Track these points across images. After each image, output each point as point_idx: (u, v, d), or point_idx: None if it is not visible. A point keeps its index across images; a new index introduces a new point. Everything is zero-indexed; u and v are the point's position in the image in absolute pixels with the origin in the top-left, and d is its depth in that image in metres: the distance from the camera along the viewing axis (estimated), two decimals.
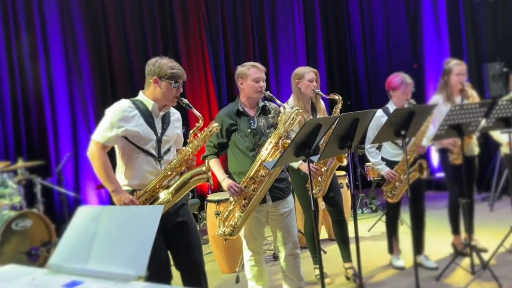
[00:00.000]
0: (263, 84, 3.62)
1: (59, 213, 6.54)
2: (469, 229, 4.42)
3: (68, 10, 6.87)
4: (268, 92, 3.63)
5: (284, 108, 3.61)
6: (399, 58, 8.92)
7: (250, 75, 3.60)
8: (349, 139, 3.26)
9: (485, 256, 4.39)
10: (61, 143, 6.81)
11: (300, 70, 4.22)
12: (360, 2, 9.30)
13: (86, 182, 6.92)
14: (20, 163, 5.49)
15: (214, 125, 3.10)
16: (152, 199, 2.93)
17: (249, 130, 3.61)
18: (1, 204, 5.08)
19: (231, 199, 3.54)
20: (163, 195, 2.90)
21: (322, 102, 4.33)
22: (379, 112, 4.36)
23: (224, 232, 3.50)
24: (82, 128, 6.94)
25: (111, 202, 2.95)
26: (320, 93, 4.15)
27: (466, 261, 4.33)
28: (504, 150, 4.81)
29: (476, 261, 4.22)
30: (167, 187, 2.93)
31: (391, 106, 4.42)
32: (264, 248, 3.96)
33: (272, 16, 8.65)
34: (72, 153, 6.70)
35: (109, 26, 7.19)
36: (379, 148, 4.50)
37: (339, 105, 4.12)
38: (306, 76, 4.12)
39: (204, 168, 2.96)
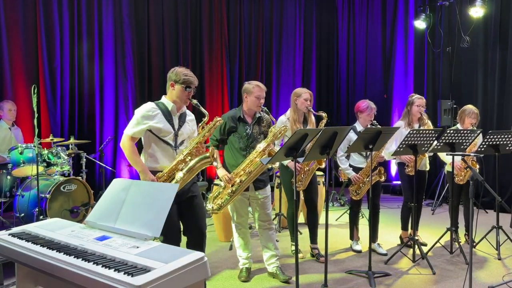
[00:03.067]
0: (262, 101, 3.62)
1: (98, 182, 6.54)
2: (415, 227, 4.41)
3: (121, 24, 6.87)
4: (265, 108, 3.66)
5: (275, 122, 3.64)
6: (373, 89, 8.90)
7: (254, 92, 3.58)
8: (328, 147, 3.25)
9: (425, 249, 4.40)
10: (105, 128, 6.82)
11: (298, 90, 4.18)
12: (347, 43, 9.30)
13: (121, 160, 6.92)
14: (72, 140, 5.49)
15: (218, 119, 3.07)
16: (170, 179, 2.92)
17: (244, 134, 3.62)
18: (53, 171, 5.08)
19: (222, 184, 3.54)
20: (179, 175, 2.90)
21: (313, 117, 4.27)
22: None
23: (212, 207, 3.50)
24: (122, 118, 6.95)
25: (140, 177, 2.95)
26: (311, 110, 4.12)
27: (409, 251, 4.33)
28: (447, 168, 4.80)
29: (417, 252, 4.21)
30: (182, 169, 2.92)
31: (358, 125, 4.41)
32: (249, 223, 3.98)
33: (278, 45, 8.65)
34: (112, 136, 6.70)
35: (151, 41, 7.20)
36: (347, 157, 4.49)
37: (324, 121, 4.10)
38: (303, 95, 4.08)
39: (208, 154, 2.94)
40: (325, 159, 4.11)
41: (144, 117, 2.93)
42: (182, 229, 3.10)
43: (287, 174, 4.19)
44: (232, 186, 3.46)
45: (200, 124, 3.06)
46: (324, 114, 4.11)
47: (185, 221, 3.08)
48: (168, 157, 2.98)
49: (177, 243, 2.94)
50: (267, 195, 3.73)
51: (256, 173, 3.46)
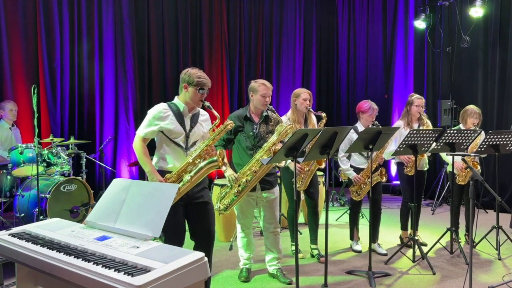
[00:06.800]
0: (268, 99, 3.60)
1: (98, 182, 6.53)
2: (415, 227, 4.42)
3: (121, 24, 6.87)
4: (271, 106, 3.63)
5: (282, 121, 3.61)
6: (374, 89, 8.91)
7: (260, 90, 3.58)
8: (328, 147, 3.25)
9: (425, 249, 4.40)
10: (105, 128, 6.81)
11: (297, 90, 4.19)
12: (348, 43, 9.31)
13: (121, 160, 6.92)
14: (72, 140, 5.48)
15: (229, 122, 3.04)
16: (178, 180, 2.87)
17: (251, 133, 3.60)
18: (53, 171, 5.08)
19: (229, 184, 3.52)
20: (186, 177, 2.84)
21: (313, 117, 4.27)
22: None
23: (219, 207, 3.49)
24: (122, 118, 6.95)
25: (139, 177, 2.94)
26: (311, 110, 4.13)
27: (409, 252, 4.33)
28: (448, 168, 4.80)
29: (417, 252, 4.21)
30: (190, 171, 2.86)
31: (359, 125, 4.41)
32: (253, 225, 3.95)
33: (278, 45, 8.64)
34: (112, 136, 6.70)
35: (151, 41, 7.20)
36: (348, 157, 4.49)
37: (324, 121, 4.10)
38: (302, 95, 4.10)
39: (216, 158, 2.87)
40: (325, 159, 4.12)
41: (156, 118, 2.91)
42: (189, 233, 3.06)
43: (287, 174, 4.19)
44: (238, 186, 3.44)
45: (211, 127, 3.02)
46: (323, 114, 4.12)
47: (195, 226, 3.02)
48: (179, 158, 2.94)
49: (180, 244, 2.91)
50: (274, 197, 3.69)
51: (262, 172, 3.44)
